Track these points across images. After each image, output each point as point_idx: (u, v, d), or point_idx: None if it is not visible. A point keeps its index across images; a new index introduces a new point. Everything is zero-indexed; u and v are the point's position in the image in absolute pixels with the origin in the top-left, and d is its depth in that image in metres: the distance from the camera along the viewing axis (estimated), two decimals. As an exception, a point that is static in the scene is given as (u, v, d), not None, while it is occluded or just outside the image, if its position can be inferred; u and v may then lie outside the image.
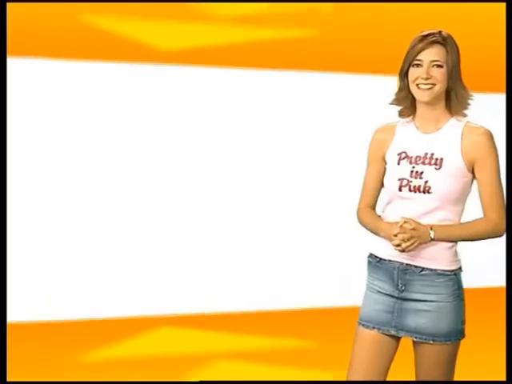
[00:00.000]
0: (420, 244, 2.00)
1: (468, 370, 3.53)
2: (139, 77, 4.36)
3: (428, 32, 2.05)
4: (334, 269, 4.86)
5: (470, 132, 2.04)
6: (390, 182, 2.12)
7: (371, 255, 2.17)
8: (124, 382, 3.47)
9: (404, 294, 2.07)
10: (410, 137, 2.12)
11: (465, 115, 2.10)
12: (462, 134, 2.04)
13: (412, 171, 2.06)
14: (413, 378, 2.18)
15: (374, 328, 2.11)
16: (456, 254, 2.09)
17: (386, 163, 2.18)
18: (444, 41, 2.03)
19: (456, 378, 2.44)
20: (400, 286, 2.07)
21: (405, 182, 2.06)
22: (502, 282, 4.85)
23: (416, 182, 2.05)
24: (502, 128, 4.71)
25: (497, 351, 3.85)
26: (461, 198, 2.06)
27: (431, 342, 2.03)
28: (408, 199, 2.06)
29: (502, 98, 4.81)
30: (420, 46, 2.03)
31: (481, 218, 2.07)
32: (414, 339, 2.07)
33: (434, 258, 2.04)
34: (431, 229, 2.01)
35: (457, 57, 2.05)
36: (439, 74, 2.02)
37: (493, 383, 3.39)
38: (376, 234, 2.15)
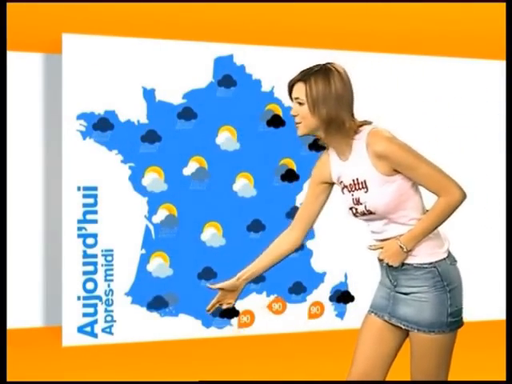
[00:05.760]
0: (398, 259, 2.07)
1: (468, 369, 3.55)
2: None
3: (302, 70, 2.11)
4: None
5: (369, 145, 2.04)
6: (347, 212, 2.20)
7: None
8: (124, 382, 3.48)
9: (397, 289, 2.14)
10: (338, 166, 2.18)
11: (369, 123, 2.09)
12: (367, 151, 2.06)
13: (353, 199, 2.14)
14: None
15: (372, 312, 2.20)
16: (436, 246, 2.11)
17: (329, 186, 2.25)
18: (304, 78, 2.06)
19: (456, 378, 2.44)
20: (392, 281, 2.15)
21: (354, 210, 2.15)
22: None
23: (360, 208, 2.13)
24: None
25: (497, 351, 3.86)
26: (404, 198, 2.07)
27: (416, 331, 2.08)
28: (368, 220, 2.15)
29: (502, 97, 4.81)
30: (289, 85, 2.12)
31: (435, 204, 2.05)
32: (402, 326, 2.12)
33: (410, 252, 2.09)
34: (400, 241, 2.07)
35: (323, 90, 2.04)
36: (301, 111, 2.08)
37: (493, 383, 3.40)
38: None
